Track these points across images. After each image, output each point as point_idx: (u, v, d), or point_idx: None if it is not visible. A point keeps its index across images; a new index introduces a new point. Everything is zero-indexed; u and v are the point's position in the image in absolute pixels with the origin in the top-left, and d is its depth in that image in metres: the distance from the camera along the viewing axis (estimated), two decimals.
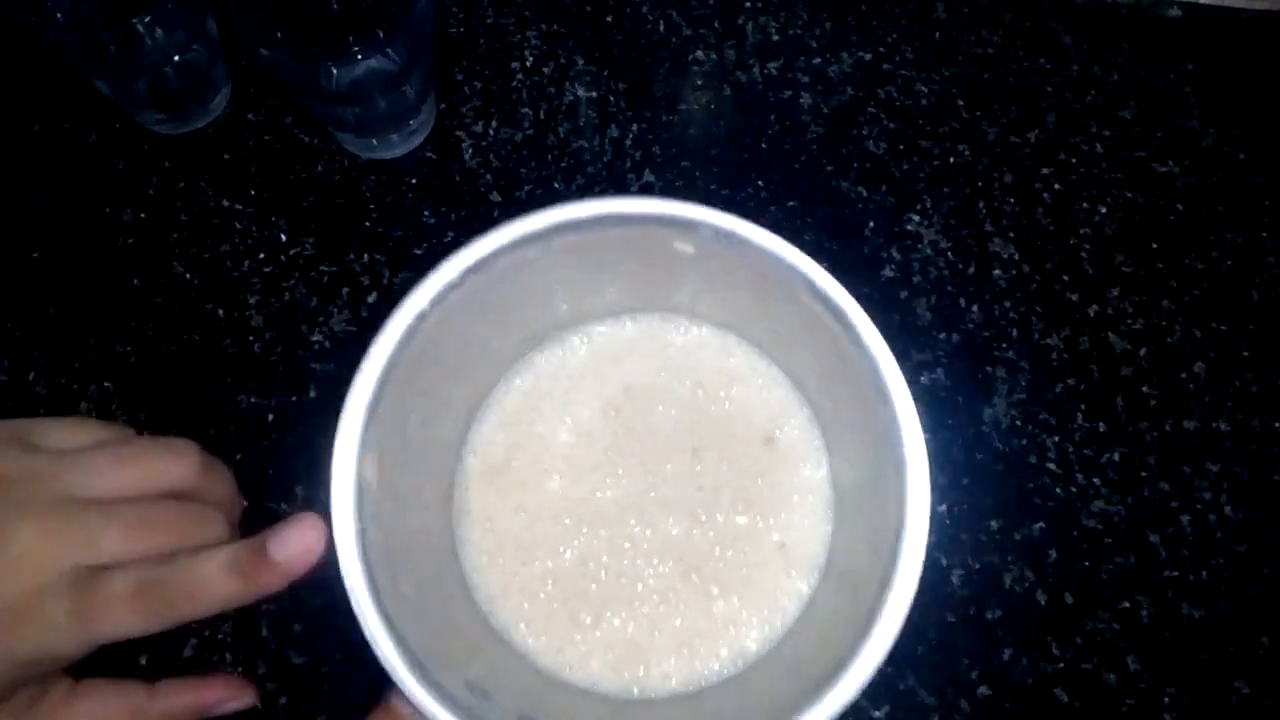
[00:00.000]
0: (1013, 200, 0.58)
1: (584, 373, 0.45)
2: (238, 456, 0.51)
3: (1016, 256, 0.57)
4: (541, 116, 0.61)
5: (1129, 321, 0.55)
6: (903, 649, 0.47)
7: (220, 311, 0.55)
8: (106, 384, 0.53)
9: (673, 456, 0.43)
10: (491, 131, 0.60)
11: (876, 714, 0.46)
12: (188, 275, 0.56)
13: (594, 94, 0.62)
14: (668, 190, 0.58)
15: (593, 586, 0.41)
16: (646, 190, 0.58)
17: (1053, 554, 0.49)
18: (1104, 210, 0.58)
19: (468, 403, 0.44)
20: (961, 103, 0.62)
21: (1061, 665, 0.47)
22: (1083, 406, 0.53)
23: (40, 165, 0.59)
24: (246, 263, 0.56)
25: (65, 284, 0.56)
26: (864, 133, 0.61)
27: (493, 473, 0.43)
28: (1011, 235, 0.57)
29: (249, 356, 0.54)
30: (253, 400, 0.53)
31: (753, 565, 0.42)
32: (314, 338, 0.54)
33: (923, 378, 0.53)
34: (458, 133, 0.60)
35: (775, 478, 0.43)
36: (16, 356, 0.54)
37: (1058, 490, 0.51)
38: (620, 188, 0.58)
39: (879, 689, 0.46)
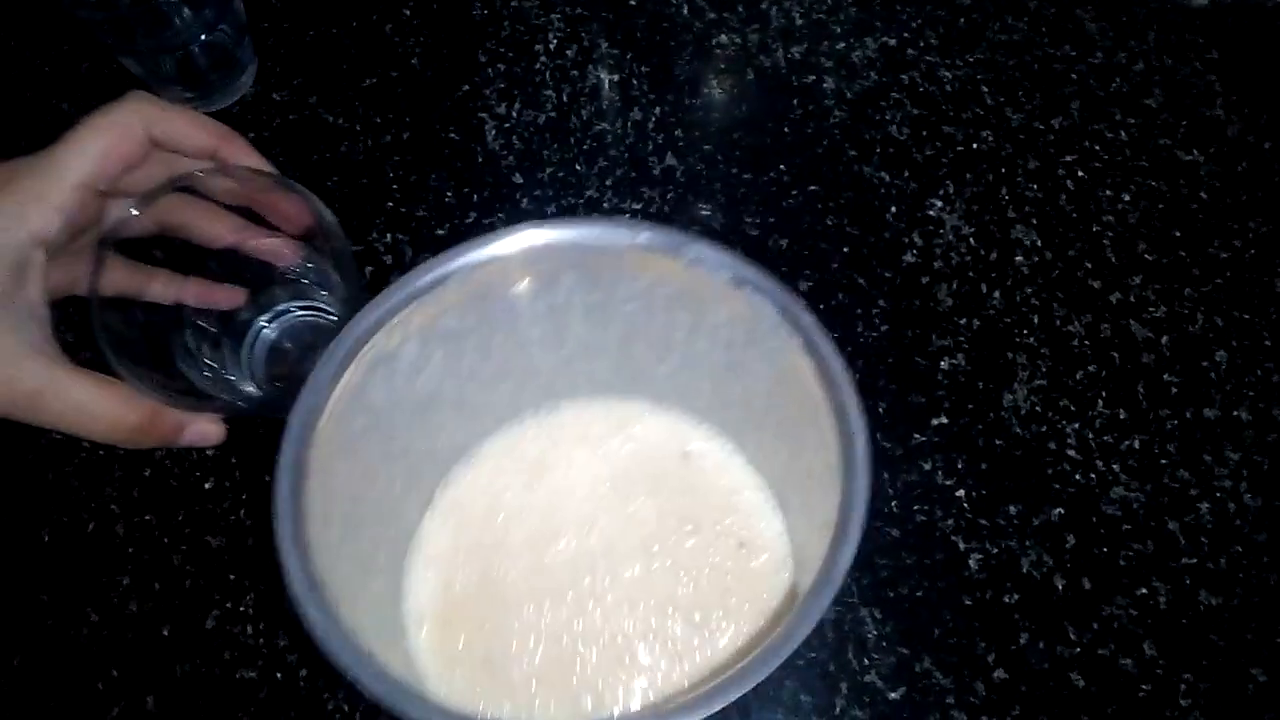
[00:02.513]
0: (1036, 187, 0.58)
1: (518, 462, 0.44)
2: (260, 430, 0.52)
3: (1039, 243, 0.57)
4: (564, 99, 0.61)
5: (1151, 309, 0.55)
6: (920, 632, 0.47)
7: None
8: None
9: (606, 507, 0.43)
10: (515, 113, 0.61)
11: (893, 695, 0.46)
12: None
13: (617, 77, 0.62)
14: (690, 174, 0.58)
15: (576, 663, 0.39)
16: (669, 175, 0.58)
17: (1071, 540, 0.49)
18: (1127, 198, 0.58)
19: (420, 492, 0.43)
20: (985, 89, 0.61)
21: (1078, 650, 0.47)
22: (1103, 393, 0.53)
23: None
24: None
25: None
26: (887, 118, 0.61)
27: (442, 573, 0.42)
28: (1034, 222, 0.57)
29: None
30: None
31: (722, 574, 0.41)
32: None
33: (943, 363, 0.53)
34: (480, 114, 0.61)
35: (704, 489, 0.42)
36: None
37: (1077, 476, 0.51)
38: (642, 171, 0.59)
39: (895, 671, 0.46)
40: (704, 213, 0.57)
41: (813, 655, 0.47)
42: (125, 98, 0.37)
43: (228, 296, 0.44)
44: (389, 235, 0.57)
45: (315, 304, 0.48)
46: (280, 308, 0.47)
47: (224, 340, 0.45)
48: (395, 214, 0.57)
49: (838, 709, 0.45)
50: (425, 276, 0.35)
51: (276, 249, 0.43)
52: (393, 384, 0.37)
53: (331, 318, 0.47)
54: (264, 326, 0.47)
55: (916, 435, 0.51)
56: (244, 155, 0.39)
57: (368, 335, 0.34)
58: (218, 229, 0.41)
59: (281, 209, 0.41)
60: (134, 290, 0.39)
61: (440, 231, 0.57)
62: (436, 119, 0.61)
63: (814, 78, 0.62)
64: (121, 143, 0.36)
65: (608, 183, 0.58)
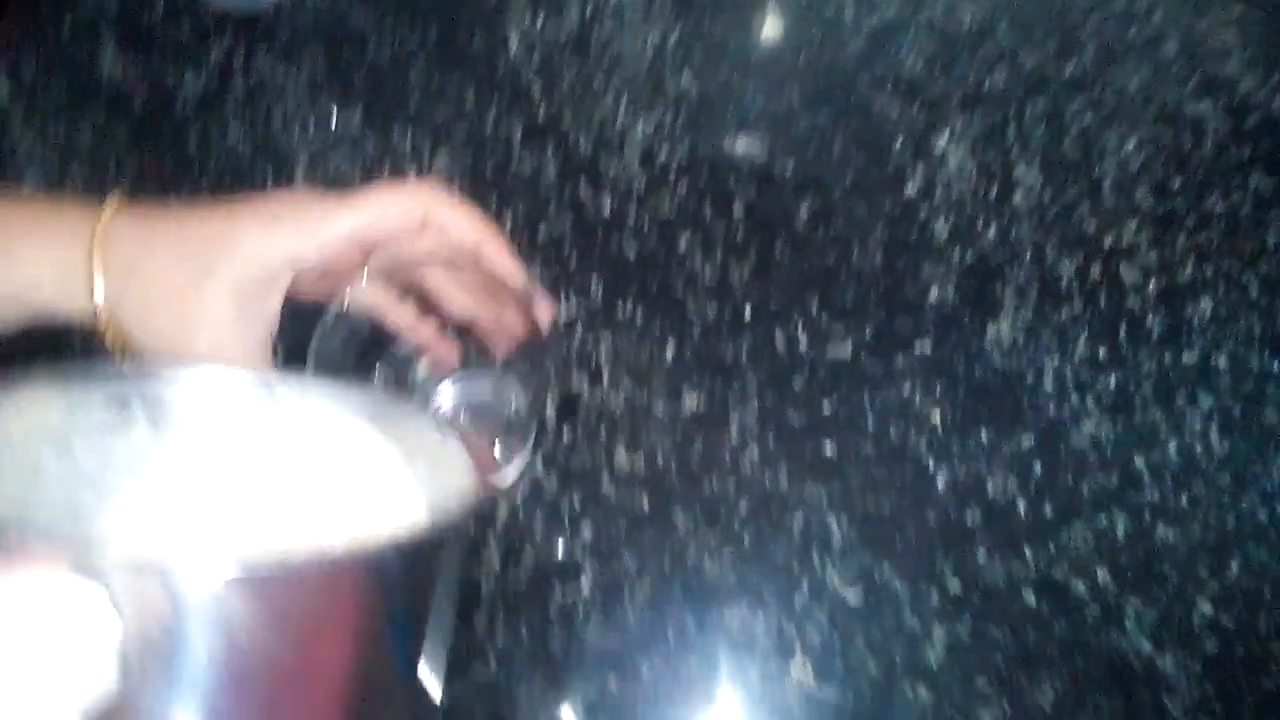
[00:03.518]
0: (1042, 128, 0.59)
1: None
2: None
3: (1039, 184, 0.58)
4: (588, 14, 0.63)
5: (1142, 254, 0.56)
6: (882, 541, 0.50)
7: (269, 180, 0.58)
8: None
9: None
10: (538, 26, 0.62)
11: (850, 597, 0.49)
12: (241, 143, 0.59)
13: None
14: (703, 96, 0.60)
15: None
16: (683, 95, 0.60)
17: (1038, 468, 0.51)
18: (1131, 146, 0.59)
19: None
20: (1002, 29, 0.62)
21: (1034, 571, 0.49)
22: (1085, 331, 0.54)
23: (110, 33, 0.62)
24: (297, 134, 0.59)
25: (126, 145, 0.59)
26: (903, 52, 0.62)
27: None
28: (1037, 162, 0.58)
29: None
30: None
31: None
32: None
33: (932, 293, 0.55)
34: (505, 24, 0.62)
35: None
36: None
37: (1051, 409, 0.53)
38: (658, 90, 0.60)
39: (853, 571, 0.49)
40: (713, 134, 0.59)
41: (779, 556, 0.49)
42: (418, 182, 0.41)
43: (450, 351, 0.46)
44: (409, 135, 0.59)
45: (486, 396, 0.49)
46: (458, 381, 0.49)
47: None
48: (416, 116, 0.59)
49: (797, 605, 0.48)
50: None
51: (501, 337, 0.45)
52: None
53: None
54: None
55: (899, 359, 0.53)
56: (502, 258, 0.41)
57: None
58: (463, 298, 0.43)
59: (512, 314, 0.43)
60: (381, 310, 0.42)
61: (459, 138, 0.59)
62: (461, 27, 0.62)
63: (834, 8, 0.63)
64: (398, 219, 0.39)
65: (623, 100, 0.60)
